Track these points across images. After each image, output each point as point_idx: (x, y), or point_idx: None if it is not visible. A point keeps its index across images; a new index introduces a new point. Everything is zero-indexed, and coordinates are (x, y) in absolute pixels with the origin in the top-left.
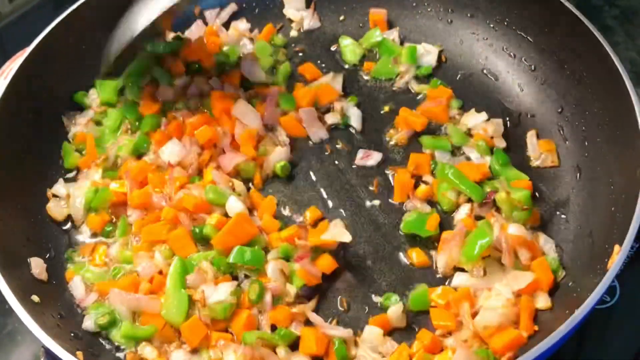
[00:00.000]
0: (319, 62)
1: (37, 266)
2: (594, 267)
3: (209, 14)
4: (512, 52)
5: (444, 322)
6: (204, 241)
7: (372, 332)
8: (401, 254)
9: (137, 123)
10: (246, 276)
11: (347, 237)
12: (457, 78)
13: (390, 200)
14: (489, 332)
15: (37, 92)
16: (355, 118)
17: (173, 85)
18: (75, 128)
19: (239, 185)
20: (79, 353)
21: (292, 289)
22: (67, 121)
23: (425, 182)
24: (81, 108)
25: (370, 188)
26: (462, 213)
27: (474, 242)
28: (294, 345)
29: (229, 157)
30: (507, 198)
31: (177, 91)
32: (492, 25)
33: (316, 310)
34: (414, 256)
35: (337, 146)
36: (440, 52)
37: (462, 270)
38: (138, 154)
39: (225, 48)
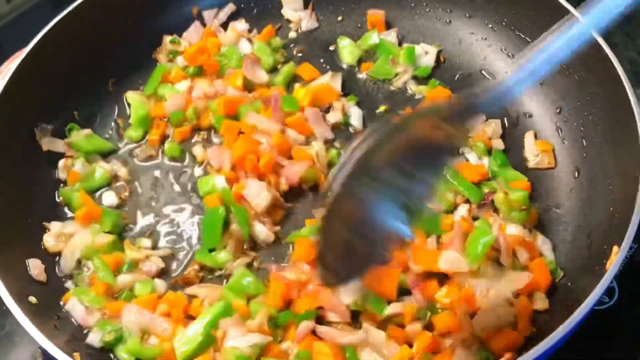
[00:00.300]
0: (317, 62)
1: (36, 267)
2: (593, 268)
3: (207, 14)
4: (510, 53)
5: (445, 324)
6: None
7: (376, 335)
8: None
9: None
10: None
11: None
12: (456, 78)
13: None
14: (488, 333)
15: (35, 93)
16: (356, 117)
17: (178, 92)
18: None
19: None
20: (76, 354)
21: None
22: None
23: None
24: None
25: None
26: (460, 214)
27: (477, 241)
28: None
29: (293, 166)
30: (505, 198)
31: (184, 96)
32: (490, 26)
33: None
34: None
35: (336, 145)
36: (438, 53)
37: None
38: None
39: (223, 49)
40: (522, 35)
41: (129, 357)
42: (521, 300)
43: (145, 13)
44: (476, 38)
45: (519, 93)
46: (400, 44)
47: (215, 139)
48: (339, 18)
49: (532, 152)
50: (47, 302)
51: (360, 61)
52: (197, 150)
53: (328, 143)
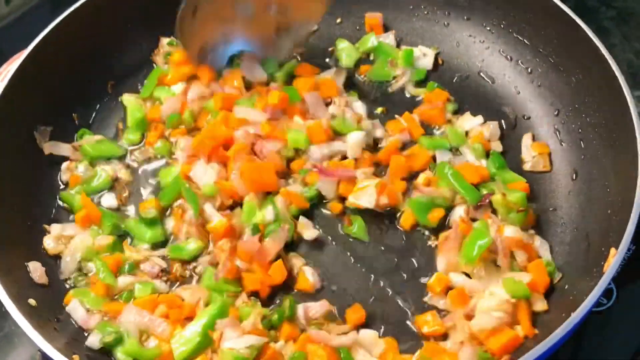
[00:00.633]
0: (315, 65)
1: (36, 270)
2: (590, 269)
3: None
4: (508, 55)
5: (431, 328)
6: None
7: (367, 335)
8: None
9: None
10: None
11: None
12: (454, 81)
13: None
14: (486, 335)
15: (35, 95)
16: (359, 108)
17: (174, 95)
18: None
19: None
20: (75, 357)
21: None
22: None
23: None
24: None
25: None
26: (458, 214)
27: (473, 243)
28: None
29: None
30: (504, 200)
31: (180, 99)
32: (488, 28)
33: None
34: None
35: None
36: (436, 55)
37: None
38: None
39: None
40: (520, 38)
41: (128, 359)
42: (519, 301)
43: (144, 15)
44: (474, 40)
45: None
46: (398, 46)
47: None
48: (338, 20)
49: (529, 155)
50: (47, 304)
51: (358, 63)
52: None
53: None
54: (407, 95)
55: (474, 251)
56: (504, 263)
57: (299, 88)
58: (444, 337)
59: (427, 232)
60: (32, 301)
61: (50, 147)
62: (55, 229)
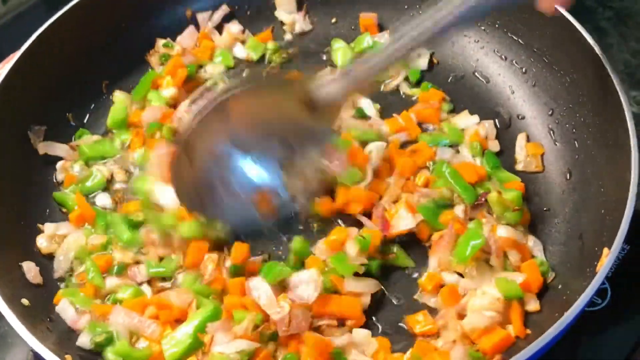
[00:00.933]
0: (310, 65)
1: (30, 270)
2: (584, 269)
3: (201, 17)
4: (503, 55)
5: (423, 328)
6: None
7: (360, 334)
8: None
9: None
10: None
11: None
12: (449, 80)
13: None
14: (477, 334)
15: (29, 94)
16: (367, 106)
17: (165, 99)
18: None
19: None
20: (68, 356)
21: None
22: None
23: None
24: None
25: None
26: (455, 213)
27: (466, 243)
28: None
29: None
30: (499, 198)
31: (162, 110)
32: (483, 28)
33: None
34: None
35: None
36: (431, 55)
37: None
38: None
39: (217, 52)
40: (515, 37)
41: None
42: (512, 301)
43: (139, 15)
44: (469, 40)
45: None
46: None
47: None
48: (333, 20)
49: (522, 155)
50: (40, 304)
51: None
52: None
53: None
54: (402, 95)
55: (467, 251)
56: (497, 263)
57: None
58: (437, 335)
59: None
60: (25, 301)
61: (45, 147)
62: (48, 228)
